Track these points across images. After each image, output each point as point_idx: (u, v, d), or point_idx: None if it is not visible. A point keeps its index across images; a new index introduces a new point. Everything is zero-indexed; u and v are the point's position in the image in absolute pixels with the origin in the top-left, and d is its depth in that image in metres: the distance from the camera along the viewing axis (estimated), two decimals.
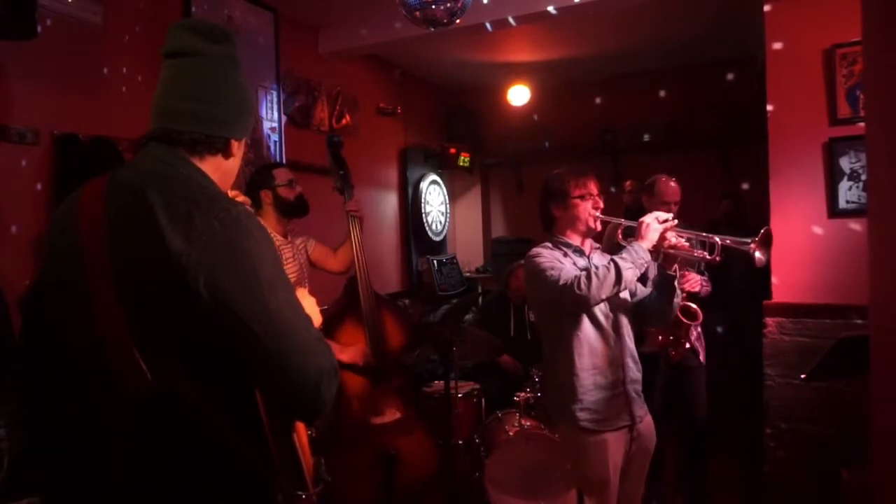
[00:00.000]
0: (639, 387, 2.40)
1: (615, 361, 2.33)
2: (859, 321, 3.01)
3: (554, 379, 2.42)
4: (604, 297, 2.17)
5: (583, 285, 2.15)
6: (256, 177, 2.94)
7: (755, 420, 3.43)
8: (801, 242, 3.24)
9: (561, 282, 2.21)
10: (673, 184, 3.29)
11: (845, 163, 3.17)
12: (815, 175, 3.23)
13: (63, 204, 1.21)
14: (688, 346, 3.19)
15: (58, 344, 1.17)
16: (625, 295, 2.41)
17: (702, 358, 3.25)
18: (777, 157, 3.30)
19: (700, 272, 3.21)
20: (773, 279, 3.29)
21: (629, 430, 2.35)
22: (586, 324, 2.32)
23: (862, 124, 3.09)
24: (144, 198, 1.08)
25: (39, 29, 2.48)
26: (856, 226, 3.15)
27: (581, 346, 2.31)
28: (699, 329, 3.24)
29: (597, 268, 2.20)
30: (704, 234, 2.25)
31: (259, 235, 1.11)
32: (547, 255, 2.34)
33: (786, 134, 3.28)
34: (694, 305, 2.94)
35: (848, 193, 3.18)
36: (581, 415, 2.30)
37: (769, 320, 3.29)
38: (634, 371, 2.38)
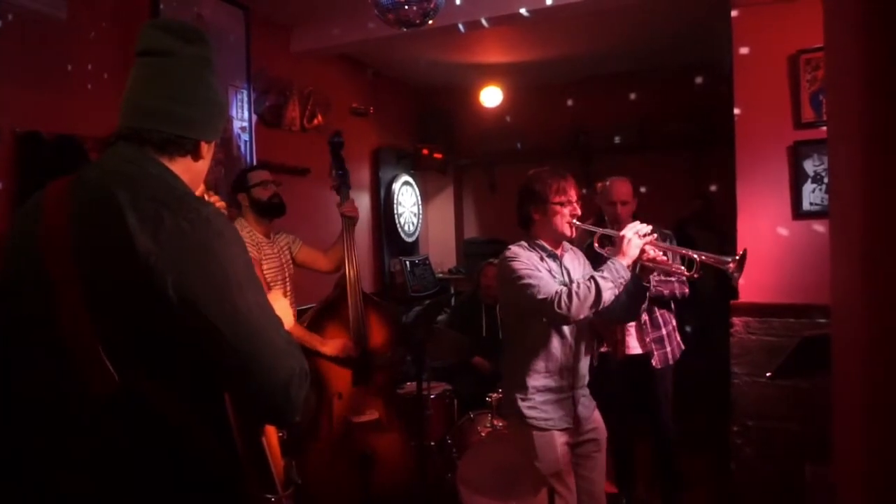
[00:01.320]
0: (586, 391, 2.49)
1: (568, 367, 2.39)
2: (823, 320, 3.09)
3: (508, 374, 2.48)
4: (581, 316, 2.19)
5: (563, 304, 2.16)
6: (234, 181, 3.01)
7: (724, 418, 3.50)
8: (767, 243, 3.30)
9: (540, 296, 2.21)
10: (617, 181, 3.32)
11: (809, 166, 3.25)
12: (780, 177, 3.30)
13: (26, 204, 1.19)
14: (639, 350, 3.25)
15: (20, 346, 1.15)
16: None
17: (654, 362, 3.24)
18: (744, 159, 3.36)
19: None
20: (740, 280, 3.35)
21: (574, 429, 2.43)
22: (548, 330, 2.36)
23: (825, 128, 3.17)
24: (112, 198, 1.07)
25: (1, 24, 2.42)
26: (819, 227, 3.23)
27: (538, 348, 2.37)
28: (659, 331, 3.27)
29: (578, 286, 2.19)
30: (684, 249, 2.28)
31: (229, 236, 1.11)
32: (524, 259, 2.35)
33: (752, 137, 3.35)
34: None
35: (812, 195, 3.25)
36: (528, 412, 2.37)
37: (736, 320, 3.35)
38: (585, 378, 2.47)
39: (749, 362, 3.32)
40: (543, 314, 2.24)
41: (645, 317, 3.25)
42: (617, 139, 5.67)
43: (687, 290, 3.24)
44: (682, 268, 2.36)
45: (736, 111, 3.38)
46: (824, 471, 2.65)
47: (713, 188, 5.05)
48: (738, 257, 2.14)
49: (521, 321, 2.40)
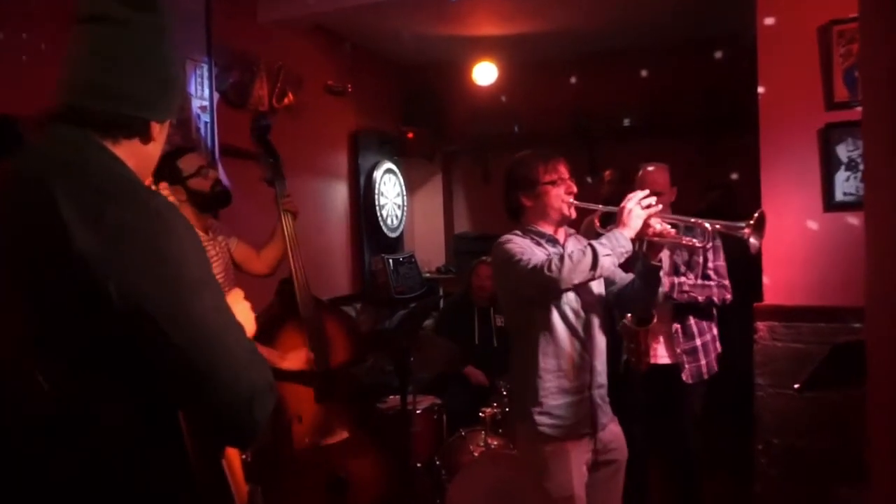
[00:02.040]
0: (604, 392, 2.47)
1: (583, 365, 2.39)
2: (858, 325, 3.10)
3: (516, 379, 2.49)
4: (576, 281, 2.20)
5: (553, 267, 2.19)
6: (158, 173, 2.85)
7: (746, 435, 3.51)
8: (795, 239, 3.31)
9: (531, 266, 2.24)
10: (652, 169, 3.35)
11: (842, 151, 3.25)
12: (809, 164, 3.30)
13: None
14: (667, 360, 3.25)
15: None
16: (599, 290, 2.48)
17: (684, 376, 3.24)
18: (768, 144, 3.37)
19: (681, 270, 3.26)
20: (764, 279, 3.36)
21: (591, 439, 2.41)
22: (555, 321, 2.37)
23: (860, 109, 3.17)
24: (45, 188, 1.05)
25: None
26: (853, 220, 3.23)
27: (547, 345, 2.37)
28: (692, 342, 3.27)
29: (572, 251, 2.24)
30: (693, 219, 2.30)
31: (182, 231, 1.10)
32: (518, 242, 2.38)
33: (778, 119, 3.35)
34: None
35: (845, 185, 3.26)
36: (540, 419, 2.36)
37: (760, 325, 3.36)
38: (603, 376, 2.46)
39: (774, 372, 3.33)
40: (535, 285, 2.26)
41: (676, 325, 3.26)
42: (625, 122, 5.67)
43: (729, 297, 3.25)
44: (694, 240, 2.37)
45: (760, 90, 3.38)
46: (858, 494, 2.66)
47: (733, 177, 5.07)
48: (752, 221, 2.16)
49: (524, 314, 2.41)
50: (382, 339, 3.73)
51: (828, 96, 3.27)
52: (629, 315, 2.95)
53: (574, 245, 2.47)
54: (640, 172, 3.40)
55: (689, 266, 3.27)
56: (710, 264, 3.27)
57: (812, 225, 3.31)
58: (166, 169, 2.81)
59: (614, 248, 2.21)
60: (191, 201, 2.78)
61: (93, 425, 1.05)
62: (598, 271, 2.20)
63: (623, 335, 3.10)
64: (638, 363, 3.15)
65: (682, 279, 3.22)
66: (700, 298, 3.21)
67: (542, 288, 2.25)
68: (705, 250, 3.21)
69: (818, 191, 3.30)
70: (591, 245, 2.22)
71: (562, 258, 2.20)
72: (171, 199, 1.33)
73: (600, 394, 2.44)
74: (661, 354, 3.31)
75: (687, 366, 3.25)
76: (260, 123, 3.06)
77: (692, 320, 3.28)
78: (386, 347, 3.43)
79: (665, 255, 3.25)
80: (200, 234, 2.82)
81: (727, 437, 4.12)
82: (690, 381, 3.25)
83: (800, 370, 2.97)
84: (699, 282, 3.23)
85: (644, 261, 2.36)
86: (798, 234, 3.32)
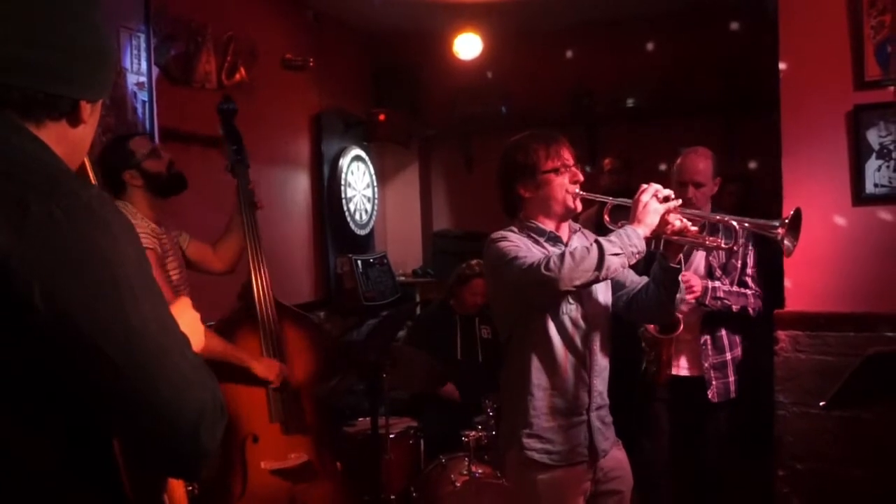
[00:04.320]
0: (605, 413, 2.48)
1: (580, 383, 2.39)
2: (891, 334, 3.14)
3: (505, 397, 2.51)
4: (578, 282, 2.17)
5: (552, 264, 2.16)
6: (110, 158, 2.89)
7: (764, 458, 3.54)
8: (820, 236, 3.33)
9: (526, 265, 2.23)
10: (694, 154, 3.34)
11: (874, 136, 3.29)
12: (837, 152, 3.33)
13: None
14: (686, 373, 3.28)
15: None
16: (605, 298, 2.48)
17: (710, 394, 3.26)
18: (790, 129, 3.39)
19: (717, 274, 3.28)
20: (786, 282, 3.39)
21: (590, 467, 2.42)
22: (551, 332, 2.37)
23: (894, 88, 3.22)
24: None
25: None
26: (886, 215, 3.27)
27: (540, 358, 2.38)
28: (721, 356, 3.29)
29: (574, 248, 2.23)
30: (718, 215, 2.30)
31: (119, 228, 1.09)
32: (513, 239, 2.38)
33: (802, 100, 3.38)
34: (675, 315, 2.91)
35: (877, 175, 3.30)
36: (529, 442, 2.37)
37: (781, 334, 3.39)
38: (604, 396, 2.46)
39: (798, 388, 3.36)
40: (530, 286, 2.25)
41: (706, 336, 3.28)
42: (630, 102, 5.71)
43: (760, 305, 3.27)
44: (720, 240, 2.37)
45: (781, 66, 3.41)
46: None
47: (751, 165, 5.11)
48: (787, 220, 2.17)
49: (516, 323, 2.42)
50: (350, 352, 3.72)
51: (857, 74, 3.30)
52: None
53: (580, 242, 2.47)
54: (680, 158, 3.37)
55: (725, 270, 3.29)
56: (749, 270, 3.30)
57: (839, 220, 3.34)
58: (118, 153, 2.89)
59: (625, 246, 2.17)
60: (148, 186, 2.85)
61: (11, 458, 1.04)
62: (605, 272, 2.17)
63: (643, 342, 3.12)
64: (657, 374, 3.17)
65: (717, 284, 3.23)
66: (735, 307, 3.23)
67: (539, 289, 2.24)
68: (744, 253, 3.25)
69: (846, 182, 3.33)
70: (597, 241, 2.20)
71: (562, 256, 2.18)
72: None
73: (600, 416, 2.45)
74: (682, 365, 3.33)
75: (714, 382, 3.27)
76: (225, 108, 3.12)
77: (723, 331, 3.30)
78: (354, 363, 3.42)
79: (700, 255, 3.27)
80: (154, 226, 2.87)
81: (742, 460, 4.15)
82: (717, 401, 3.28)
83: (826, 385, 3.00)
84: (734, 288, 3.24)
85: (661, 262, 2.34)
86: (824, 230, 3.34)
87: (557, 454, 2.36)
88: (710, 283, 3.20)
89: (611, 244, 2.18)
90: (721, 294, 3.21)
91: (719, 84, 5.38)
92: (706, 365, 3.28)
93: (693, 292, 3.10)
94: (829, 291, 3.33)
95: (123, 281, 1.06)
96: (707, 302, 3.19)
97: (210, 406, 1.10)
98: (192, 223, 3.21)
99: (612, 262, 2.16)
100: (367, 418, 3.46)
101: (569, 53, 5.88)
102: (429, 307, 5.03)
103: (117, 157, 2.86)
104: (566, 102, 5.85)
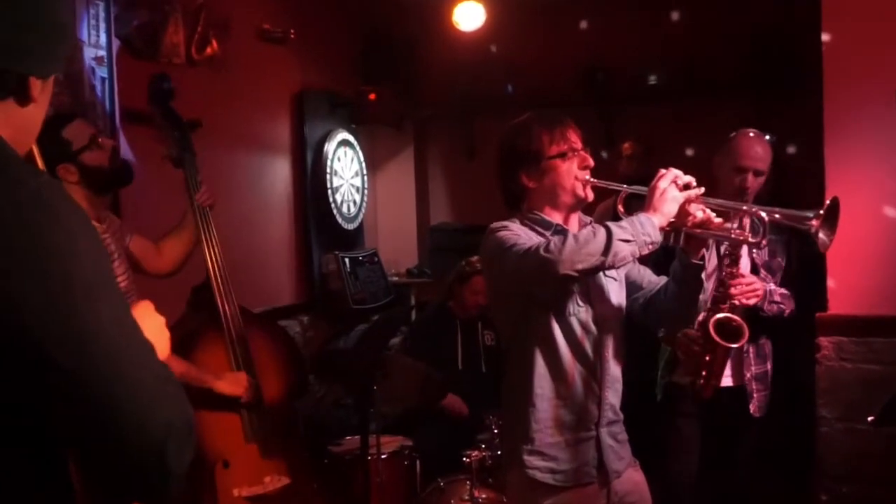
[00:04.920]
0: (619, 429, 2.48)
1: (588, 394, 2.39)
2: None
3: (507, 410, 2.51)
4: (580, 266, 2.15)
5: (552, 246, 2.16)
6: (46, 147, 2.86)
7: (803, 480, 3.54)
8: (868, 230, 3.34)
9: (524, 250, 2.23)
10: (753, 136, 3.30)
11: None
12: (886, 135, 3.34)
13: None
14: (729, 382, 3.26)
15: None
16: (619, 299, 2.48)
17: (752, 408, 3.27)
18: (834, 109, 3.40)
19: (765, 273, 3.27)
20: (829, 283, 3.39)
21: (602, 488, 2.41)
22: (556, 335, 2.36)
23: None
24: None
25: None
26: None
27: (544, 365, 2.37)
28: (763, 366, 3.29)
29: (580, 231, 2.25)
30: (745, 205, 2.29)
31: (72, 220, 1.09)
32: (514, 229, 2.38)
33: (846, 76, 3.38)
34: (738, 319, 2.88)
35: None
36: (530, 460, 2.37)
37: (824, 340, 3.40)
38: (616, 410, 2.46)
39: (842, 401, 3.37)
40: (528, 272, 2.25)
41: (750, 344, 3.24)
42: (651, 80, 5.71)
43: (794, 306, 3.26)
44: (747, 233, 2.37)
45: (824, 38, 3.41)
46: None
47: (790, 150, 5.10)
48: (822, 211, 2.16)
49: (518, 323, 2.42)
50: (336, 362, 3.71)
51: None
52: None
53: None
54: (735, 139, 3.31)
55: (770, 269, 3.29)
56: (794, 268, 3.30)
57: (890, 212, 3.35)
58: (48, 142, 2.80)
59: (636, 234, 2.16)
60: (84, 182, 2.79)
61: None
62: (612, 258, 2.15)
63: (678, 350, 3.09)
64: (705, 386, 3.11)
65: (772, 286, 3.21)
66: (787, 312, 3.22)
67: (537, 274, 2.22)
68: (790, 249, 3.25)
69: None
70: (605, 225, 2.19)
71: (564, 237, 2.19)
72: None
73: (612, 432, 2.44)
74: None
75: (756, 394, 3.28)
76: (159, 87, 3.07)
77: (764, 338, 3.31)
78: (341, 374, 3.41)
79: (743, 252, 3.24)
80: (95, 225, 2.81)
81: (779, 482, 4.15)
82: (758, 415, 3.28)
83: (875, 399, 3.00)
84: (784, 290, 3.23)
85: (682, 258, 2.34)
86: (871, 224, 3.35)
87: (563, 474, 2.36)
88: (770, 286, 3.19)
89: (621, 229, 2.17)
90: (778, 298, 3.20)
91: (749, 60, 5.38)
92: (748, 375, 3.28)
93: (756, 296, 3.07)
94: (877, 292, 3.34)
95: (77, 278, 1.05)
96: (765, 308, 3.16)
97: (178, 424, 1.10)
98: (155, 218, 3.19)
99: (621, 249, 2.15)
100: (356, 436, 3.46)
101: (583, 24, 5.88)
102: (426, 311, 5.02)
103: (52, 148, 2.72)
104: (579, 80, 5.86)
